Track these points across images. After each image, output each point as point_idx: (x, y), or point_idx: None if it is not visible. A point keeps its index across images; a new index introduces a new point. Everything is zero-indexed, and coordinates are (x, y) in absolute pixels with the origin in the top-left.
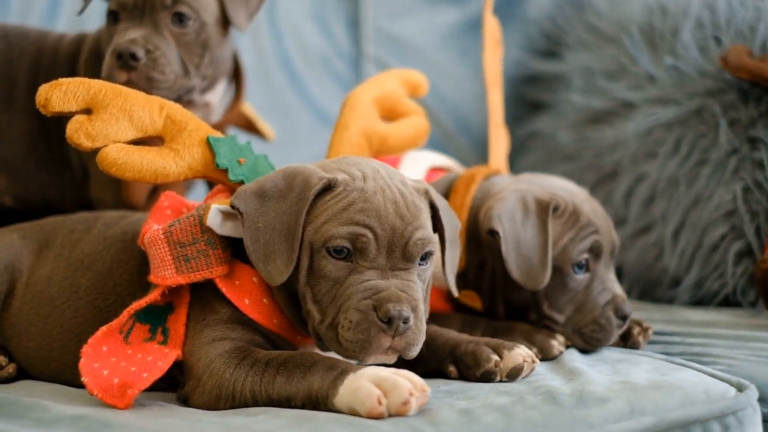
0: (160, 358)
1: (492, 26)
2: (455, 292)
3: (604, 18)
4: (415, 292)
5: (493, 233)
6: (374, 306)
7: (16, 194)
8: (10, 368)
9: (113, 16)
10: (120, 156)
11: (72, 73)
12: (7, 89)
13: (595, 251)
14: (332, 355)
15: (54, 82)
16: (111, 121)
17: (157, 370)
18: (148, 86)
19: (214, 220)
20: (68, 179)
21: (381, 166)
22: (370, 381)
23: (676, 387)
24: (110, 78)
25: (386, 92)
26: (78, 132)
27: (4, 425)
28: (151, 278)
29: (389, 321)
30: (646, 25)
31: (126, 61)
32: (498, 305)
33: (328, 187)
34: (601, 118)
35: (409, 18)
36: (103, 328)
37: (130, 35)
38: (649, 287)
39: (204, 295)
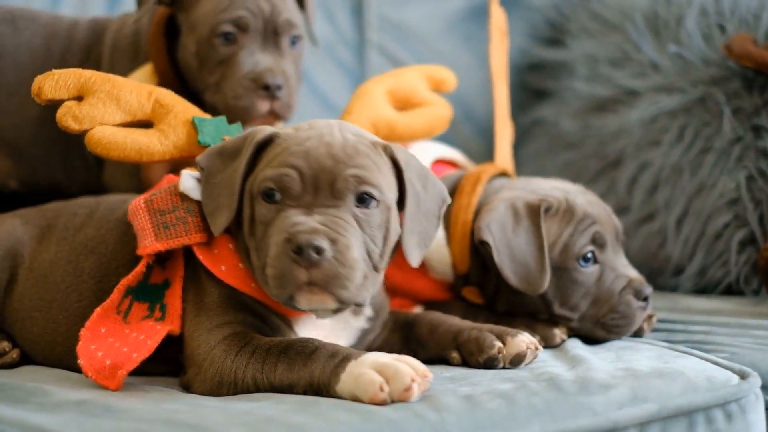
0: (150, 337)
1: (498, 18)
2: (413, 262)
3: (608, 5)
4: (340, 227)
5: (484, 243)
6: (287, 239)
7: (22, 178)
8: (14, 354)
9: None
10: (105, 135)
11: (87, 59)
12: (15, 73)
13: (598, 242)
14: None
15: (48, 72)
16: (98, 105)
17: (146, 350)
18: None
19: (186, 183)
20: (78, 164)
21: (339, 123)
22: (371, 368)
23: (678, 374)
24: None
25: (402, 84)
26: (66, 116)
27: (6, 410)
28: (138, 251)
29: (300, 251)
30: (650, 13)
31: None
32: (501, 305)
33: (271, 140)
34: (604, 106)
35: (413, 5)
36: (98, 309)
37: None
38: (653, 275)
39: (197, 272)
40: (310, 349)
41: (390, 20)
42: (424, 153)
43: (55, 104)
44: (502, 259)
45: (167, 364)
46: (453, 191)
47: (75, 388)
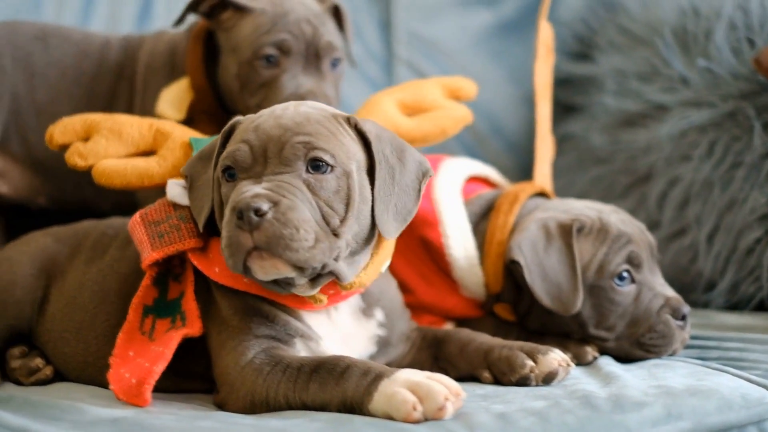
0: (165, 345)
1: (546, 33)
2: (387, 234)
3: (636, 20)
4: (284, 189)
5: (515, 263)
6: (232, 207)
7: (51, 194)
8: (47, 370)
9: None
10: (107, 166)
11: (119, 78)
12: (46, 91)
13: (634, 261)
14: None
15: (58, 120)
16: (101, 141)
17: (163, 359)
18: None
19: (173, 191)
20: None
21: (299, 102)
22: (404, 386)
23: (713, 392)
24: None
25: (414, 93)
26: (72, 155)
27: (41, 427)
28: (142, 265)
29: (241, 215)
30: (678, 27)
31: None
32: (533, 324)
33: (234, 128)
34: (634, 121)
35: (441, 20)
36: (121, 334)
37: None
38: (684, 291)
39: (206, 286)
40: (341, 368)
41: (418, 35)
42: (456, 171)
43: (66, 149)
44: (533, 278)
45: (201, 381)
46: (489, 210)
47: (109, 406)
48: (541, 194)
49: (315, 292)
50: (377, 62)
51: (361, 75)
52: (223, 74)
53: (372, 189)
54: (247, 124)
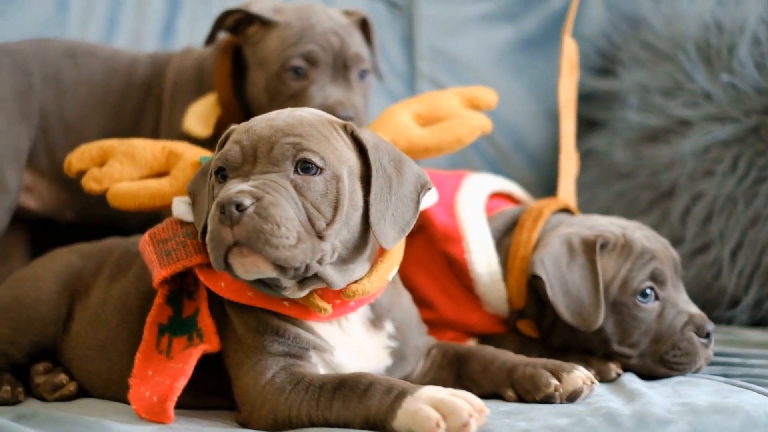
0: (185, 362)
1: (570, 50)
2: (385, 244)
3: (659, 35)
4: (269, 187)
5: (537, 278)
6: (217, 203)
7: (78, 209)
8: (71, 387)
9: None
10: (120, 189)
11: (147, 96)
12: (74, 108)
13: (658, 278)
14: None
15: (76, 148)
16: (115, 165)
17: (184, 375)
18: None
19: (178, 209)
20: None
21: (296, 108)
22: (428, 403)
23: (738, 409)
24: None
25: (429, 104)
26: (88, 180)
27: None
28: (153, 284)
29: (223, 210)
30: (702, 42)
31: None
32: (556, 341)
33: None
34: (657, 136)
35: (463, 36)
36: (138, 354)
37: None
38: (707, 307)
39: (220, 303)
40: (364, 385)
41: (440, 51)
42: (479, 187)
43: (83, 174)
44: (555, 293)
45: (222, 398)
46: (512, 226)
47: (133, 423)
48: (565, 210)
49: (303, 294)
50: (400, 77)
51: (384, 90)
52: (251, 88)
53: (366, 197)
54: (241, 127)
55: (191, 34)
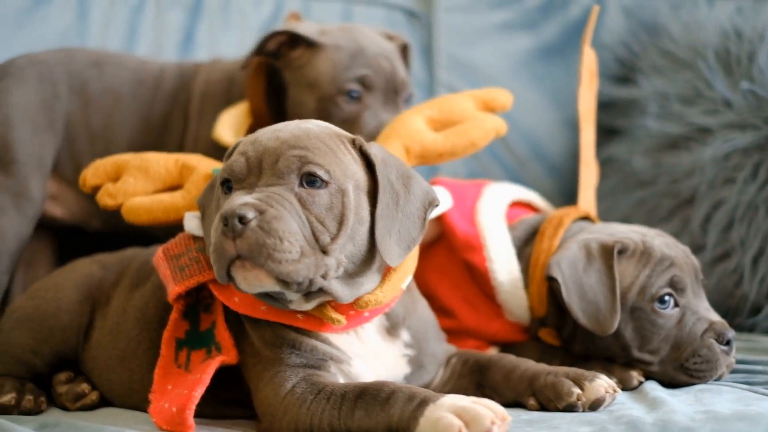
0: (203, 372)
1: (590, 60)
2: (390, 261)
3: (678, 43)
4: (273, 200)
5: (553, 280)
6: (220, 215)
7: (105, 217)
8: (93, 396)
9: None
10: (134, 204)
11: (173, 107)
12: (101, 118)
13: (678, 285)
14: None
15: (91, 163)
16: (129, 180)
17: (201, 384)
18: None
19: (190, 224)
20: None
21: (304, 120)
22: (450, 411)
23: (761, 417)
24: None
25: (443, 109)
26: (103, 195)
27: None
28: (169, 300)
29: (226, 222)
30: (721, 50)
31: None
32: (577, 348)
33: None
34: (677, 144)
35: (482, 45)
36: (157, 370)
37: None
38: (729, 315)
39: (236, 316)
40: (386, 393)
41: (459, 60)
42: (499, 196)
43: (97, 191)
44: (570, 296)
45: (242, 408)
46: (533, 234)
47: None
48: (586, 219)
49: (310, 307)
50: (419, 87)
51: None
52: (295, 108)
53: (373, 212)
54: (247, 138)
55: (210, 44)
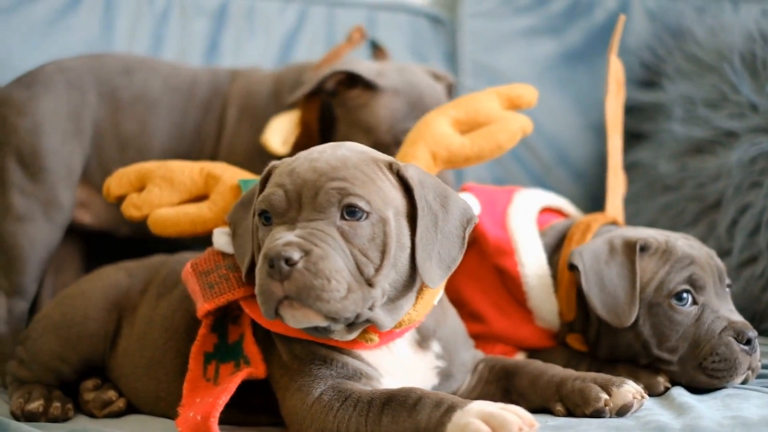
0: (230, 381)
1: (617, 68)
2: (431, 282)
3: (703, 46)
4: (317, 238)
5: (574, 268)
6: (264, 254)
7: (133, 224)
8: (120, 403)
9: None
10: (161, 215)
11: (206, 113)
12: (131, 124)
13: (696, 283)
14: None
15: (114, 173)
16: (154, 190)
17: (227, 392)
18: None
19: (219, 241)
20: None
21: (339, 143)
22: (477, 417)
23: None
24: None
25: (468, 109)
26: (128, 206)
27: None
28: (198, 316)
29: (272, 264)
30: (747, 53)
31: None
32: (603, 350)
33: (271, 172)
34: (703, 148)
35: (506, 50)
36: (186, 384)
37: None
38: (756, 320)
39: (264, 330)
40: (413, 399)
41: (483, 65)
42: (530, 202)
43: (122, 200)
44: (590, 286)
45: (268, 415)
46: (563, 240)
47: None
48: (613, 224)
49: (353, 337)
50: None
51: None
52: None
53: (413, 236)
54: (283, 167)
55: (235, 52)
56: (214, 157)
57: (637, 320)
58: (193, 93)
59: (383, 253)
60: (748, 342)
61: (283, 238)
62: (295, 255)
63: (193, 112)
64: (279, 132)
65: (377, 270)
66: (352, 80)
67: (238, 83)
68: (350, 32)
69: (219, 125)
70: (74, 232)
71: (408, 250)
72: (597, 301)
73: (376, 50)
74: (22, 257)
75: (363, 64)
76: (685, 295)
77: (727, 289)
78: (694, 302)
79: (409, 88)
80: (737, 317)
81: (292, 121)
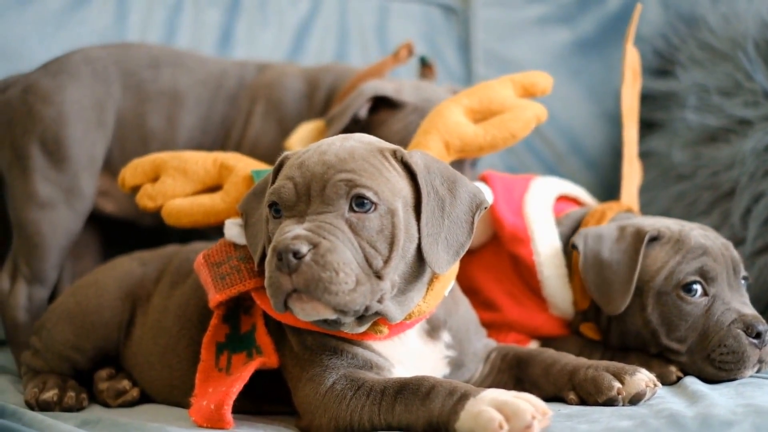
0: (243, 370)
1: (633, 58)
2: (438, 269)
3: (717, 34)
4: (325, 230)
5: (575, 247)
6: (273, 247)
7: (155, 213)
8: (134, 392)
9: None
10: (174, 206)
11: (234, 104)
12: (156, 118)
13: (708, 274)
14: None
15: (129, 163)
16: (168, 181)
17: (240, 381)
18: None
19: (230, 232)
20: None
21: (347, 135)
22: (491, 405)
23: None
24: None
25: (481, 97)
26: (142, 197)
27: None
28: (210, 306)
29: (281, 257)
30: (761, 41)
31: None
32: (614, 338)
33: (283, 163)
34: (716, 136)
35: (519, 39)
36: (198, 374)
37: None
38: None
39: (276, 321)
40: (427, 388)
41: (497, 54)
42: (546, 190)
43: (137, 190)
44: (587, 268)
45: (282, 404)
46: (577, 228)
47: (195, 428)
48: (628, 212)
49: (362, 330)
50: (456, 81)
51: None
52: None
53: (419, 223)
54: (293, 159)
55: (248, 42)
56: (237, 150)
57: (645, 308)
58: (221, 86)
59: (392, 244)
60: (758, 335)
61: (291, 231)
62: (303, 248)
63: (220, 105)
64: (303, 140)
65: (386, 262)
66: (378, 101)
67: (267, 77)
68: (398, 47)
69: (245, 119)
70: (92, 220)
71: (417, 241)
72: (591, 284)
73: (424, 67)
74: (44, 244)
75: (387, 85)
76: (695, 285)
77: (743, 281)
78: (705, 293)
79: (425, 104)
80: (749, 310)
81: (317, 129)
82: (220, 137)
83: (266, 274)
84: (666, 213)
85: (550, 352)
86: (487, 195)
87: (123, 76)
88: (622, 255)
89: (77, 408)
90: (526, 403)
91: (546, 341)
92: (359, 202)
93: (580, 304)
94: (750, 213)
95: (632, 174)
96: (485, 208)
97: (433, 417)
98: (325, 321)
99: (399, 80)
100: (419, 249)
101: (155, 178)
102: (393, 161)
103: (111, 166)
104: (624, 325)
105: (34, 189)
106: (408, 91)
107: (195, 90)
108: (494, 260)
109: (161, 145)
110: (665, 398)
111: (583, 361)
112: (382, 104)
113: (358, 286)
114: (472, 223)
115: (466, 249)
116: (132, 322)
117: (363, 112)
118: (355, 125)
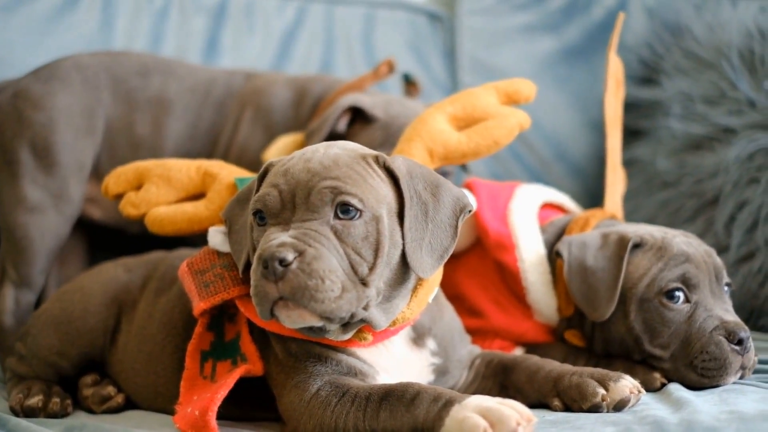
0: (228, 377)
1: (616, 66)
2: (422, 273)
3: (702, 43)
4: (310, 238)
5: (559, 255)
6: (258, 255)
7: (142, 222)
8: (119, 398)
9: None
10: (159, 214)
11: (222, 112)
12: (146, 126)
13: (690, 281)
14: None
15: (112, 171)
16: (152, 189)
17: (225, 387)
18: None
19: (214, 240)
20: None
21: (331, 142)
22: (475, 411)
23: None
24: None
25: (465, 105)
26: (126, 205)
27: None
28: (194, 314)
29: (266, 265)
30: (745, 50)
31: None
32: (598, 345)
33: (268, 170)
34: (700, 144)
35: (504, 47)
36: (183, 383)
37: None
38: (754, 316)
39: (261, 329)
40: (411, 394)
41: (482, 62)
42: (531, 198)
43: (121, 198)
44: (571, 275)
45: (267, 410)
46: (562, 235)
47: None
48: (612, 220)
49: (347, 337)
50: (442, 89)
51: (426, 102)
52: None
53: (403, 229)
54: (278, 167)
55: (234, 50)
56: (225, 158)
57: (628, 315)
58: (209, 94)
59: (377, 251)
60: (740, 342)
61: (277, 239)
62: (289, 256)
63: (208, 112)
64: (281, 153)
65: (371, 269)
66: (355, 114)
67: (255, 85)
68: (378, 64)
69: (233, 126)
70: (78, 225)
71: (401, 247)
72: (576, 291)
73: (408, 84)
74: (32, 249)
75: (365, 99)
76: (677, 292)
77: (726, 288)
78: (687, 300)
79: (392, 121)
80: (731, 317)
81: (296, 142)
82: (209, 144)
83: (252, 282)
84: (651, 220)
85: (535, 359)
86: (471, 200)
87: (113, 83)
88: (606, 262)
89: (62, 414)
90: (511, 409)
91: (531, 348)
92: (344, 209)
93: (564, 311)
94: (734, 221)
95: (616, 181)
96: (469, 211)
97: (418, 423)
98: (310, 328)
99: (379, 95)
100: (404, 255)
101: (139, 186)
102: (376, 167)
103: (99, 173)
104: (608, 332)
105: (23, 193)
106: (380, 106)
107: (183, 97)
108: (479, 267)
109: (150, 152)
110: (649, 405)
111: (567, 367)
112: (359, 117)
113: (343, 293)
114: (456, 227)
115: (450, 253)
116: (117, 329)
117: (342, 126)
118: (334, 139)
